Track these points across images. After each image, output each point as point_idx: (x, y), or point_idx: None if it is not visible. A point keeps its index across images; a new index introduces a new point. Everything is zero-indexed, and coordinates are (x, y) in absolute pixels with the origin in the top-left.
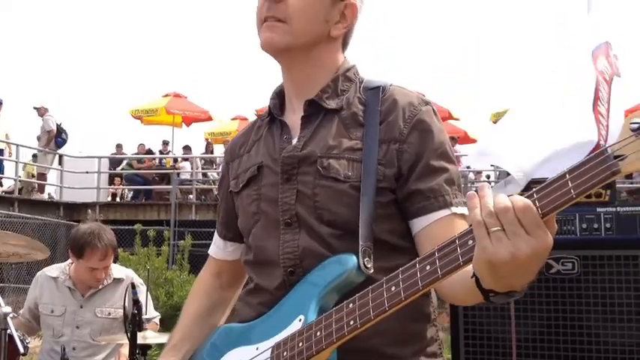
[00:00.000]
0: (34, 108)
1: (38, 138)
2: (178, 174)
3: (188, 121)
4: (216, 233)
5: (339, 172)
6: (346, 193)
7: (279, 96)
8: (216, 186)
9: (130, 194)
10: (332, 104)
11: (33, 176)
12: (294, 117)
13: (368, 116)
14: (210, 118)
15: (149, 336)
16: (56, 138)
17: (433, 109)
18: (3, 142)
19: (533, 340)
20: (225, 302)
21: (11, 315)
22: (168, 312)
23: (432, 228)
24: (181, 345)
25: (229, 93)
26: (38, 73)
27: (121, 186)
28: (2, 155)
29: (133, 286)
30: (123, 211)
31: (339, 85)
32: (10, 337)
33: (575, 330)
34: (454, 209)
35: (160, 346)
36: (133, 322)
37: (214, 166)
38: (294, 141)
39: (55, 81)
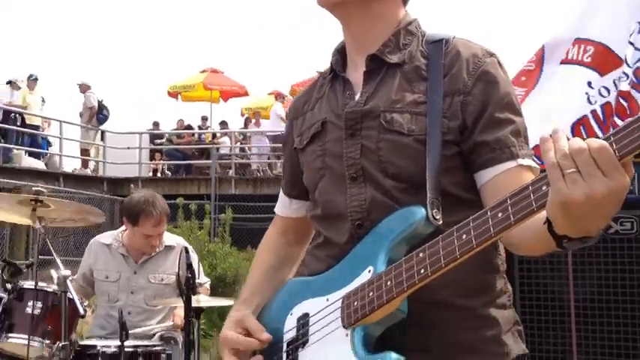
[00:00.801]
0: (77, 85)
1: (80, 114)
2: (217, 149)
3: (225, 96)
4: (281, 192)
5: (403, 125)
6: (410, 147)
7: (341, 53)
8: (254, 160)
9: (171, 169)
10: (394, 58)
11: None
12: (356, 73)
13: (431, 69)
14: (246, 93)
15: (202, 300)
16: (98, 114)
17: (498, 61)
18: (44, 117)
19: (591, 300)
20: (292, 259)
21: (70, 278)
22: (213, 283)
23: (498, 180)
24: (251, 299)
25: (266, 68)
26: (79, 50)
27: (162, 161)
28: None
29: (187, 250)
30: (164, 185)
31: (400, 39)
32: (70, 299)
33: (635, 290)
34: (520, 161)
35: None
36: (187, 286)
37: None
38: (357, 97)
39: (96, 58)
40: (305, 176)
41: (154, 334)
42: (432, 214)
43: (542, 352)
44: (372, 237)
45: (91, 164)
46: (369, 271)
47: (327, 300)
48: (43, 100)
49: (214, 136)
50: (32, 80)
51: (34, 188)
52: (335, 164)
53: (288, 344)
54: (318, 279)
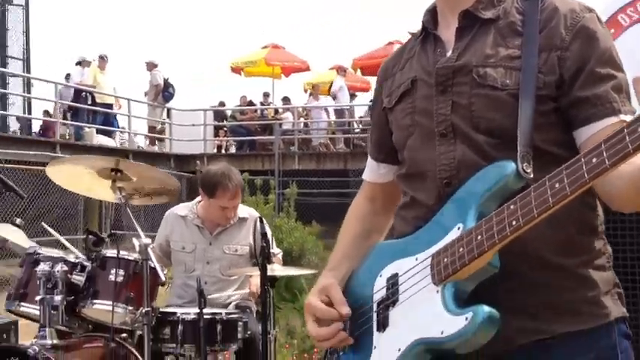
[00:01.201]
0: (145, 63)
1: (146, 93)
2: (280, 125)
3: (287, 71)
4: (369, 157)
5: (497, 80)
6: (504, 101)
7: (432, 12)
8: (317, 136)
9: (235, 146)
10: (488, 14)
11: None
12: (448, 31)
13: (526, 25)
14: (308, 69)
15: (276, 269)
16: (163, 92)
17: (597, 16)
18: (113, 96)
19: None
20: (380, 228)
21: (151, 246)
22: None
23: (599, 136)
24: (340, 265)
25: (327, 43)
26: (145, 29)
27: (226, 137)
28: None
29: (262, 219)
30: (229, 161)
31: None
32: (152, 267)
33: None
34: (622, 117)
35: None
36: (262, 255)
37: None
38: (449, 53)
39: (161, 37)
40: (394, 135)
41: (229, 303)
42: (523, 168)
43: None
44: (461, 194)
45: (156, 142)
46: (459, 228)
47: (416, 259)
48: (113, 82)
49: (277, 111)
50: (102, 59)
51: (113, 158)
52: (424, 121)
53: (378, 304)
54: (406, 240)
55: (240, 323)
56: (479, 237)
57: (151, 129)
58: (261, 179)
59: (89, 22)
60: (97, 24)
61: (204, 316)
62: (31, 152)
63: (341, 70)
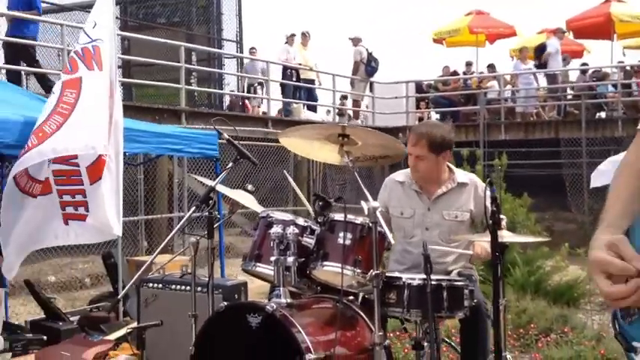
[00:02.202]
0: (350, 39)
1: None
2: (485, 94)
3: (492, 38)
4: None
5: None
6: None
7: None
8: (525, 104)
9: (437, 117)
10: None
11: None
12: None
13: None
14: (514, 34)
15: (505, 235)
16: (367, 66)
17: None
18: (317, 72)
19: None
20: None
21: (380, 209)
22: None
23: None
24: (619, 222)
25: (535, 5)
26: (347, 3)
27: (428, 109)
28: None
29: (491, 183)
30: None
31: None
32: (380, 231)
33: None
34: None
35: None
36: (493, 219)
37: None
38: None
39: (363, 10)
40: None
41: (451, 271)
42: None
43: None
44: None
45: (360, 115)
46: None
47: None
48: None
49: (481, 81)
50: (305, 36)
51: (340, 124)
52: None
53: None
54: None
55: (465, 291)
56: None
57: (355, 102)
58: (467, 150)
59: (294, 1)
60: (302, 2)
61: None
62: (247, 128)
63: (559, 32)
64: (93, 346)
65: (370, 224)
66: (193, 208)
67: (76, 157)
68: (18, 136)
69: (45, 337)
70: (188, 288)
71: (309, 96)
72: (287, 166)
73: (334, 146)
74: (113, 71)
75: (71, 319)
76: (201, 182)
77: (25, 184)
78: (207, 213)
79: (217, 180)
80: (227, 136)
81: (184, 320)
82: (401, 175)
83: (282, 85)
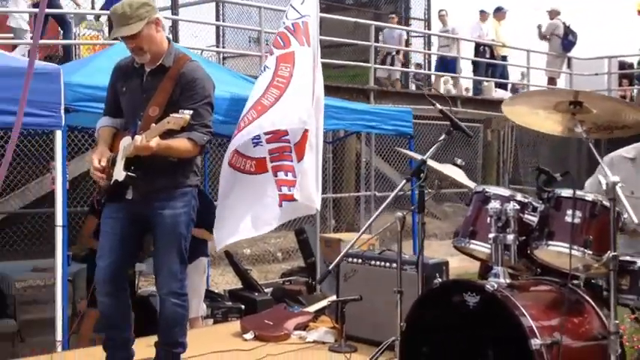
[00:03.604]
0: (547, 12)
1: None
2: None
3: None
4: None
5: None
6: None
7: None
8: None
9: None
10: None
11: None
12: None
13: None
14: None
15: None
16: (563, 40)
17: None
18: (511, 48)
19: None
20: None
21: (620, 185)
22: None
23: None
24: None
25: None
26: None
27: (631, 87)
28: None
29: None
30: None
31: None
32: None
33: None
34: None
35: None
36: None
37: None
38: None
39: None
40: None
41: None
42: None
43: None
44: None
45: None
46: None
47: None
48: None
49: None
50: (500, 12)
51: (573, 90)
52: None
53: None
54: None
55: None
56: None
57: (550, 80)
58: None
59: None
60: None
61: None
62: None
63: None
64: (293, 317)
65: (603, 202)
66: (404, 182)
67: (286, 133)
68: (225, 113)
69: (243, 306)
70: (388, 264)
71: (501, 74)
72: (476, 146)
73: (562, 115)
74: (316, 47)
75: (265, 290)
76: (410, 156)
77: (234, 159)
78: (417, 187)
79: (428, 153)
80: (440, 107)
81: (384, 296)
82: (631, 150)
83: (474, 62)
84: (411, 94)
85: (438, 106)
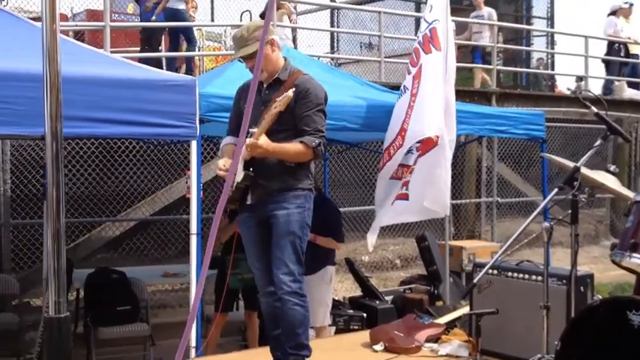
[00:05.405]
0: None
1: None
2: None
3: None
4: None
5: None
6: None
7: None
8: None
9: None
10: None
11: None
12: None
13: None
14: None
15: None
16: None
17: None
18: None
19: None
20: None
21: None
22: None
23: None
24: None
25: None
26: None
27: None
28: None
29: None
30: None
31: None
32: None
33: None
34: None
35: None
36: None
37: None
38: None
39: None
40: None
41: None
42: None
43: None
44: None
45: None
46: None
47: None
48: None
49: None
50: (628, 7)
51: None
52: None
53: None
54: None
55: None
56: None
57: None
58: None
59: None
60: None
61: None
62: (561, 109)
63: None
64: (424, 329)
65: None
66: (555, 190)
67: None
68: (363, 120)
69: (364, 315)
70: (527, 276)
71: (633, 73)
72: (605, 149)
73: None
74: (449, 50)
75: (385, 298)
76: (559, 162)
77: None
78: (570, 195)
79: (582, 160)
80: (595, 110)
81: (523, 309)
82: None
83: (605, 61)
84: (534, 95)
85: (594, 109)
